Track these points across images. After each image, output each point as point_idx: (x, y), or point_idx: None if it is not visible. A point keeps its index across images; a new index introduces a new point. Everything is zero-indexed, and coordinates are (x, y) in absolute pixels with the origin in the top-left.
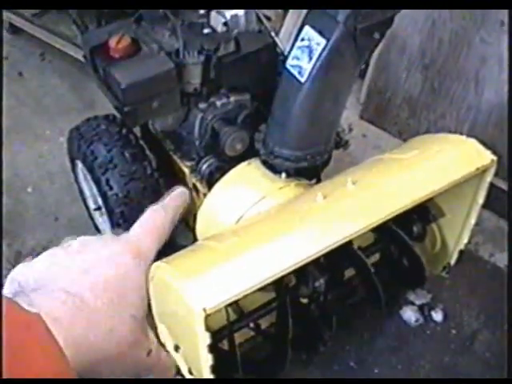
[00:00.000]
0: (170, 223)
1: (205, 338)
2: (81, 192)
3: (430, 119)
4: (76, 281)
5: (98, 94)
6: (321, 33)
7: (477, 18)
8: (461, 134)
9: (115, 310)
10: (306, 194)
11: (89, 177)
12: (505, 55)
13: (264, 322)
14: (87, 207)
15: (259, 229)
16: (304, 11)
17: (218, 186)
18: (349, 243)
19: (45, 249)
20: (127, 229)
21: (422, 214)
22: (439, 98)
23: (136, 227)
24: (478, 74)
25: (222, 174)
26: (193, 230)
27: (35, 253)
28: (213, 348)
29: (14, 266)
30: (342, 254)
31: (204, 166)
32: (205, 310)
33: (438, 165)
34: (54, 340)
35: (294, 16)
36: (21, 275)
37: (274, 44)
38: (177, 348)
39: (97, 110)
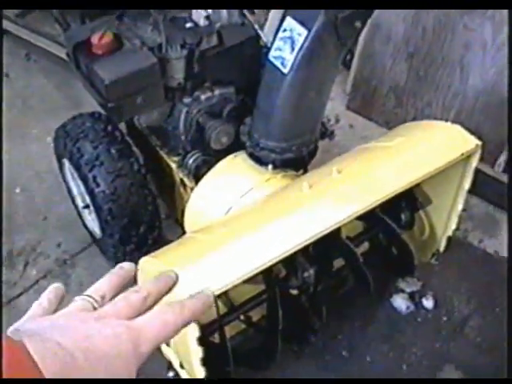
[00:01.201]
0: (182, 324)
1: (194, 331)
2: (69, 191)
3: (416, 107)
4: (73, 340)
5: (84, 93)
6: (302, 23)
7: None
8: (447, 120)
9: (99, 375)
10: (292, 184)
11: (76, 175)
12: (488, 41)
13: (256, 314)
14: (76, 206)
15: (246, 220)
16: None
17: (204, 180)
18: (337, 233)
19: (34, 248)
20: (116, 225)
21: (410, 202)
22: (425, 86)
23: (147, 317)
24: (462, 61)
25: (209, 168)
26: (181, 224)
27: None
28: (203, 341)
29: (5, 266)
30: (331, 244)
31: (190, 161)
32: None
33: (423, 151)
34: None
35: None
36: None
37: (258, 36)
38: (167, 343)
39: (84, 108)
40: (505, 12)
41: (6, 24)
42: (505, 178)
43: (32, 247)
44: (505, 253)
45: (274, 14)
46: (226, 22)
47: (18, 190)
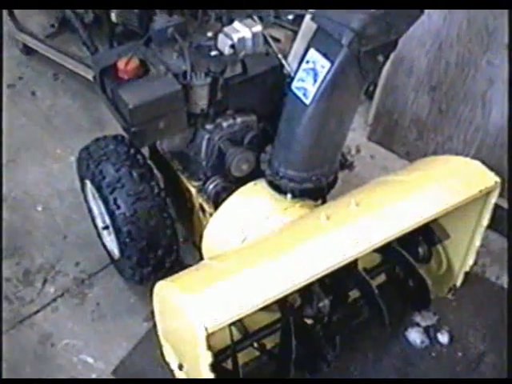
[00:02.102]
0: None
1: (207, 357)
2: (90, 211)
3: (437, 141)
4: None
5: (108, 114)
6: (325, 55)
7: (483, 41)
8: (467, 155)
9: None
10: (310, 214)
11: (97, 196)
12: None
13: (270, 342)
14: (96, 226)
15: (264, 249)
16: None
17: (223, 206)
18: (353, 264)
19: (53, 266)
20: (134, 247)
21: (427, 236)
22: (446, 120)
23: None
24: (484, 96)
25: (228, 195)
26: (199, 249)
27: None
28: (215, 367)
29: (22, 284)
30: (347, 275)
31: (210, 186)
32: (206, 328)
33: (441, 187)
34: None
35: (303, 38)
36: None
37: (281, 66)
38: (181, 367)
39: (107, 131)
40: None
41: (35, 43)
42: None
43: (51, 265)
44: None
45: (299, 44)
46: (251, 51)
47: (39, 208)
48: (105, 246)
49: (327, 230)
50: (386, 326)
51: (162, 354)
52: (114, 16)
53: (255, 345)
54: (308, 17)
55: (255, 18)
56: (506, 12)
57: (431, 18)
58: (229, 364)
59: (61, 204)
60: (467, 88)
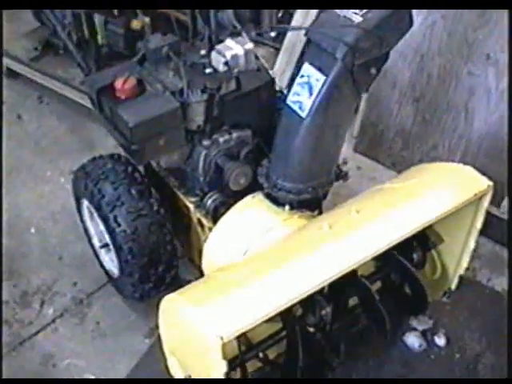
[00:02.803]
0: None
1: (221, 367)
2: (86, 231)
3: (422, 150)
4: None
5: (97, 135)
6: (320, 69)
7: (463, 53)
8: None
9: None
10: (312, 224)
11: (95, 215)
12: (492, 86)
13: (271, 352)
14: (92, 245)
15: (270, 259)
16: (297, 50)
17: (223, 220)
18: (353, 272)
19: (50, 288)
20: (136, 264)
21: (422, 241)
22: (431, 130)
23: None
24: (467, 105)
25: (227, 209)
26: (196, 264)
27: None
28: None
29: (19, 306)
30: (347, 283)
31: (209, 201)
32: (222, 338)
33: (437, 192)
34: None
35: (285, 54)
36: None
37: (272, 81)
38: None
39: (96, 151)
40: (507, 55)
41: (19, 67)
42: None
43: (48, 286)
44: None
45: (282, 60)
46: (243, 68)
47: (32, 231)
48: (102, 265)
49: (331, 238)
50: (387, 331)
51: (166, 367)
52: (99, 38)
53: (260, 355)
54: (290, 33)
55: (244, 34)
56: (485, 23)
57: (413, 32)
58: (236, 374)
59: (54, 225)
60: (450, 98)
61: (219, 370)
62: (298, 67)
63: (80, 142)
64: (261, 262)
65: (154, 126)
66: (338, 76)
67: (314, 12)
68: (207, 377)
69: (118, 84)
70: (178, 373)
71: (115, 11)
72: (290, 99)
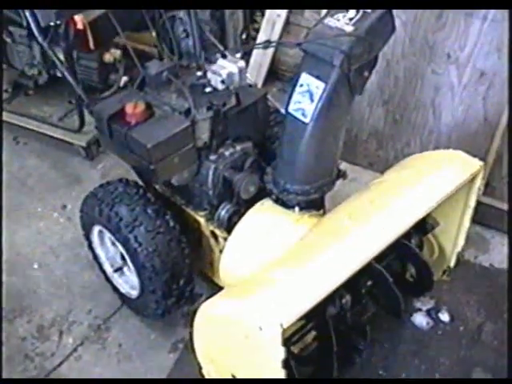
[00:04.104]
0: None
1: (279, 354)
2: (95, 258)
3: (396, 148)
4: None
5: (80, 168)
6: (318, 77)
7: (425, 54)
8: None
9: None
10: (332, 216)
11: (106, 240)
12: (455, 83)
13: (295, 348)
14: (104, 272)
15: (303, 253)
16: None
17: (237, 229)
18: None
19: (65, 318)
20: (159, 281)
21: (420, 226)
22: (402, 128)
23: None
24: (433, 102)
25: (240, 217)
26: (205, 276)
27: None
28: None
29: (38, 340)
30: (362, 270)
31: (222, 212)
32: (281, 324)
33: (437, 177)
34: None
35: (252, 73)
36: None
37: (265, 95)
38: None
39: (84, 184)
40: (466, 53)
41: None
42: (486, 200)
43: (63, 317)
44: (498, 265)
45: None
46: (238, 85)
47: (35, 266)
48: (116, 290)
49: (354, 229)
50: (401, 311)
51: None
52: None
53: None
54: (255, 53)
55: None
56: (442, 26)
57: None
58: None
59: (56, 259)
60: (417, 97)
61: (278, 358)
62: (297, 78)
63: (65, 177)
64: (295, 257)
65: (169, 145)
66: (336, 81)
67: (277, 30)
68: (258, 372)
69: (129, 109)
70: (218, 376)
71: (91, 45)
72: (292, 108)
